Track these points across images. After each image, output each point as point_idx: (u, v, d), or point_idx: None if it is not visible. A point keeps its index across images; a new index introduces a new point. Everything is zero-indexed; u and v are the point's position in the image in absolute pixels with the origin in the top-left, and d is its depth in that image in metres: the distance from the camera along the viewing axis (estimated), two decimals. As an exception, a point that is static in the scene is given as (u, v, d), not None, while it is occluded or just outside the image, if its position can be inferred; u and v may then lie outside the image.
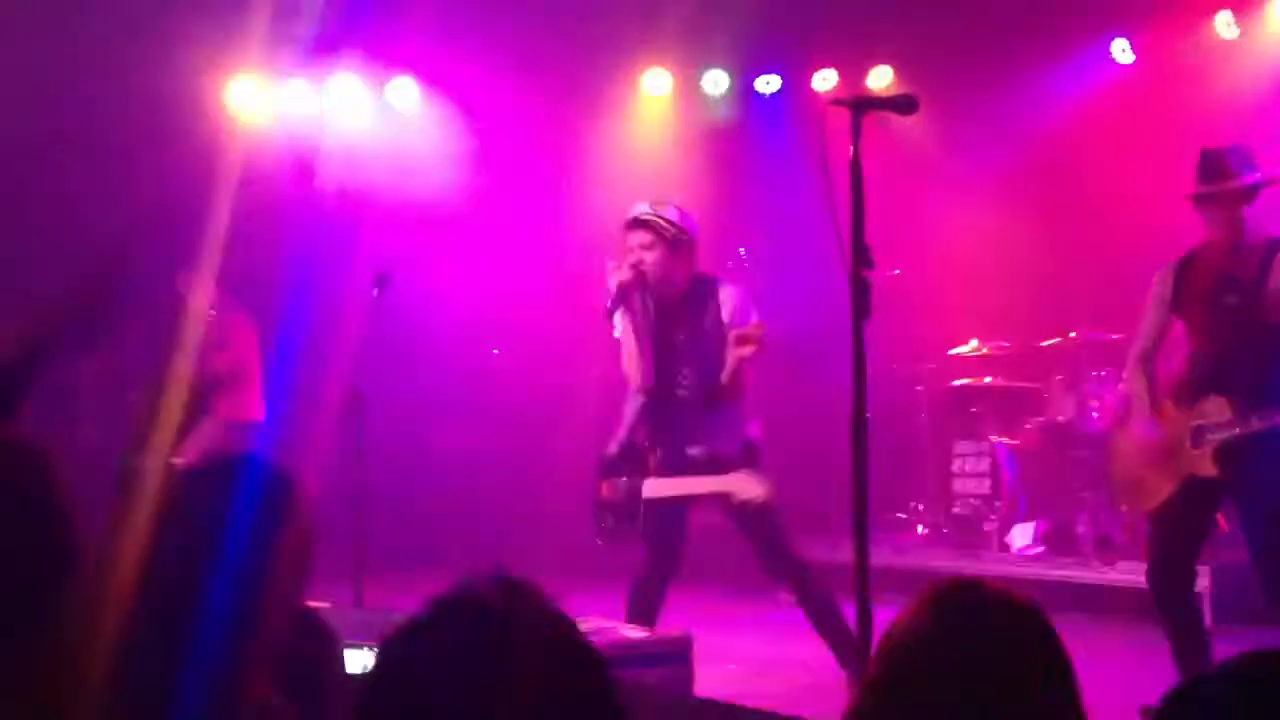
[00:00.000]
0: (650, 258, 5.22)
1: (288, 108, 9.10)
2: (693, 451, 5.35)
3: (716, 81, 9.74)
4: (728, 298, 5.32)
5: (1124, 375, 5.29)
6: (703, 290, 5.33)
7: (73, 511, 2.04)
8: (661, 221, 5.23)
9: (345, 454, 5.62)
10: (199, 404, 7.11)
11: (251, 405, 7.38)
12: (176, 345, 6.56)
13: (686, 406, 5.33)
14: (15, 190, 7.66)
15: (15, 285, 7.31)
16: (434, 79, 9.37)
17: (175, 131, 8.11)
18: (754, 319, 5.26)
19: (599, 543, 5.49)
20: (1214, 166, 4.89)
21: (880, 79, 9.23)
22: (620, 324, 5.32)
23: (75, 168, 7.90)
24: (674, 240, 5.23)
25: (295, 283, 7.92)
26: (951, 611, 1.88)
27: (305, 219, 8.40)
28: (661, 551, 5.39)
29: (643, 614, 5.30)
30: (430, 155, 9.35)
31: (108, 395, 7.90)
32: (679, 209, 5.36)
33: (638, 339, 5.30)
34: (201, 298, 7.35)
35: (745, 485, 5.18)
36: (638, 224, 5.26)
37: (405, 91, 9.42)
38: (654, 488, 5.31)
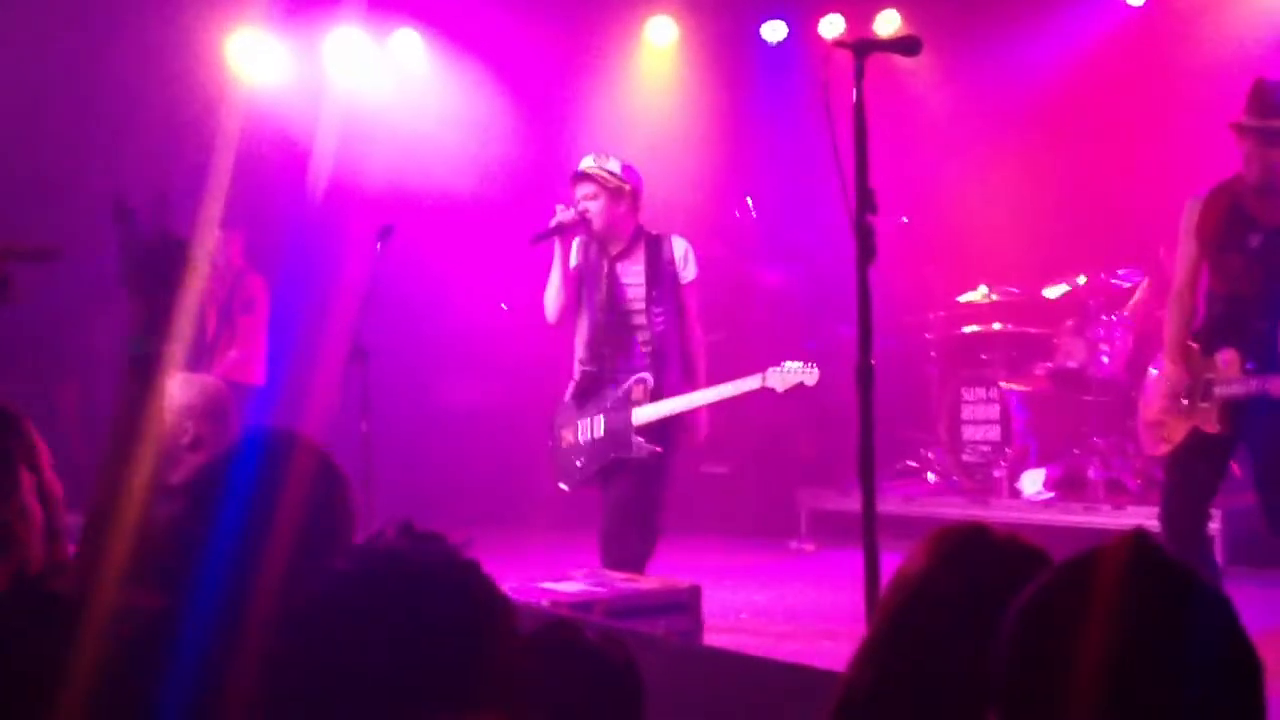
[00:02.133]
0: (594, 207, 5.54)
1: (288, 64, 9.01)
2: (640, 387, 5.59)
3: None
4: (677, 250, 5.63)
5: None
6: (651, 242, 5.64)
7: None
8: (603, 173, 5.55)
9: (349, 409, 5.60)
10: (203, 361, 7.12)
11: (255, 368, 7.41)
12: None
13: (640, 352, 5.58)
14: (14, 146, 7.62)
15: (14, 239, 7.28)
16: (437, 29, 9.28)
17: (175, 86, 8.06)
18: (695, 272, 5.65)
19: (564, 488, 5.83)
20: (1263, 100, 4.68)
21: (887, 24, 9.11)
22: (555, 256, 5.64)
23: (74, 123, 7.85)
24: (615, 190, 5.55)
25: (297, 239, 7.90)
26: (956, 551, 1.86)
27: (300, 188, 8.34)
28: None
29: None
30: (433, 109, 9.28)
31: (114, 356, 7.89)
32: (623, 162, 5.65)
33: (563, 277, 5.61)
34: (225, 257, 7.35)
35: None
36: (581, 177, 5.58)
37: (408, 44, 9.34)
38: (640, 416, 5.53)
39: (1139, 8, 8.63)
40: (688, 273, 5.63)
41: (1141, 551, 1.40)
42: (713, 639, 4.87)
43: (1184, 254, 4.95)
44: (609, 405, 5.57)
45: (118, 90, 7.89)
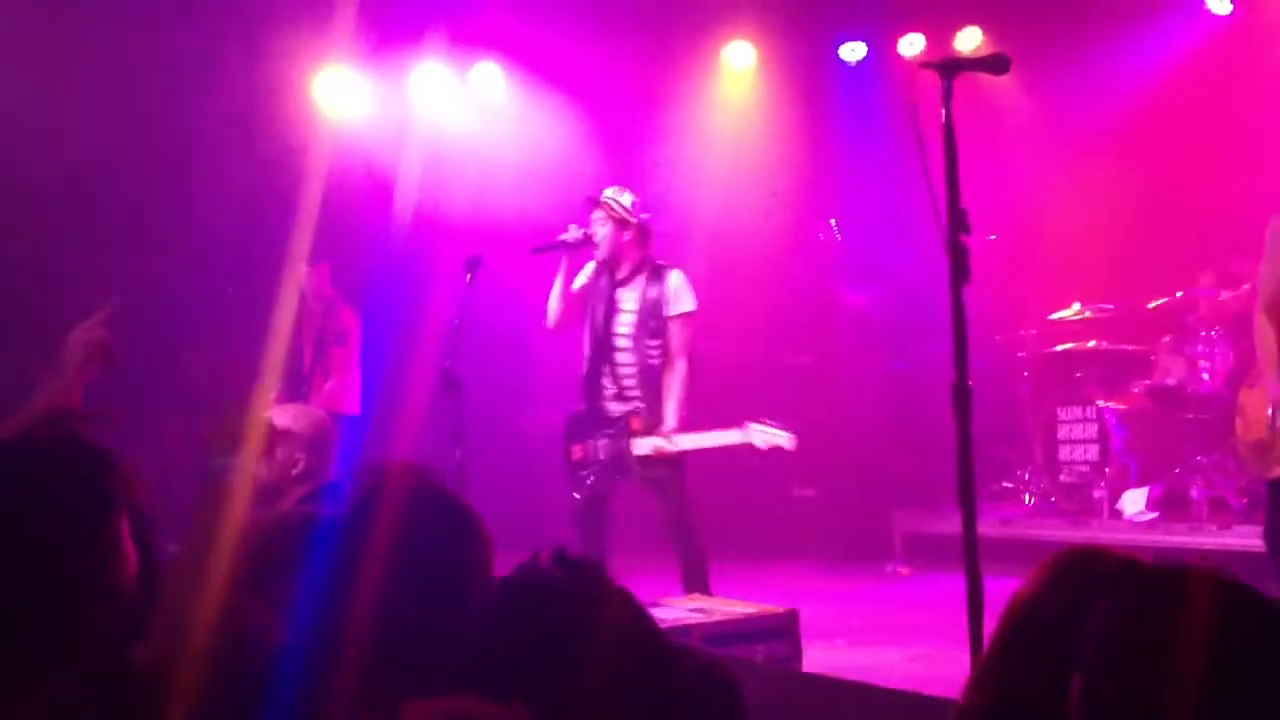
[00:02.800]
0: (601, 232, 5.90)
1: (373, 100, 9.16)
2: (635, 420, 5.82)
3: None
4: (672, 283, 5.87)
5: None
6: (654, 273, 5.91)
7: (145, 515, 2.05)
8: (613, 203, 5.90)
9: (441, 437, 5.65)
10: (300, 392, 7.23)
11: (350, 398, 7.51)
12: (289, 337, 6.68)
13: (647, 373, 5.84)
14: (104, 183, 7.82)
15: (104, 270, 7.47)
16: (516, 61, 9.37)
17: (264, 124, 8.23)
18: (686, 307, 5.84)
19: (577, 497, 5.96)
20: None
21: (968, 41, 9.04)
22: (561, 268, 6.02)
23: (165, 160, 8.03)
24: (620, 220, 5.88)
25: (385, 271, 8.00)
26: (1067, 575, 1.83)
27: (387, 220, 8.46)
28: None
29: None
30: (514, 140, 9.37)
31: (218, 388, 8.04)
32: (639, 200, 5.98)
33: (563, 289, 6.00)
34: (317, 291, 7.48)
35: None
36: (594, 203, 5.96)
37: (489, 76, 9.44)
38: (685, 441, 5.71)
39: (1226, 17, 8.47)
40: (674, 306, 5.85)
41: (1224, 587, 1.38)
42: (811, 664, 4.82)
43: (1268, 270, 4.83)
44: (609, 430, 5.85)
45: (208, 128, 8.08)
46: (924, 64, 3.73)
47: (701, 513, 5.97)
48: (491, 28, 9.10)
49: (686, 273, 5.95)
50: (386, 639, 1.82)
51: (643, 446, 5.74)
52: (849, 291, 9.59)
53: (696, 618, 4.64)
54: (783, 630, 4.71)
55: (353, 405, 7.49)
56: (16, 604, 1.81)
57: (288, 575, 1.99)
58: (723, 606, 4.89)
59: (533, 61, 9.34)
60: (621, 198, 5.94)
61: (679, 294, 5.86)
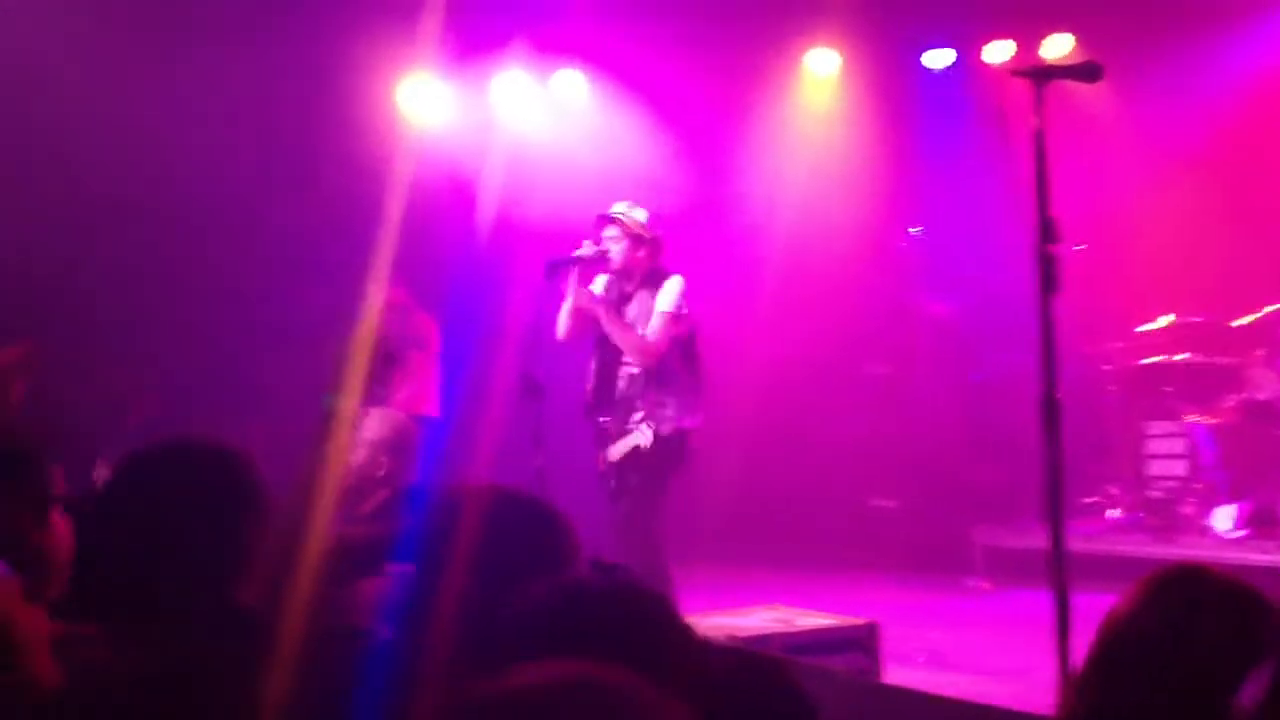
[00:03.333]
0: (616, 249, 5.91)
1: (456, 107, 9.24)
2: (631, 424, 5.85)
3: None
4: (666, 286, 5.89)
5: None
6: (655, 280, 5.94)
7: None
8: (626, 220, 5.93)
9: (522, 442, 5.68)
10: (379, 394, 7.30)
11: (428, 400, 7.57)
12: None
13: (631, 382, 5.87)
14: (195, 189, 7.95)
15: (191, 277, 7.59)
16: (598, 67, 9.40)
17: (350, 131, 8.33)
18: (677, 309, 5.83)
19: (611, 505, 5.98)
20: None
21: (1056, 48, 8.91)
22: (570, 284, 5.99)
23: (254, 165, 8.15)
24: (636, 236, 5.90)
25: (467, 276, 8.06)
26: (1162, 592, 1.80)
27: (470, 225, 8.52)
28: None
29: None
30: (596, 146, 9.40)
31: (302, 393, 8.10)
32: (651, 213, 6.01)
33: (574, 300, 5.99)
34: (390, 298, 7.53)
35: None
36: (609, 220, 5.95)
37: (571, 83, 9.48)
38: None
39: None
40: (660, 304, 5.87)
41: None
42: (890, 678, 4.77)
43: None
44: (609, 437, 5.95)
45: (295, 134, 8.19)
46: (1015, 71, 3.70)
47: (779, 523, 5.92)
48: (573, 35, 9.14)
49: (685, 278, 5.98)
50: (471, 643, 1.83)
51: (615, 451, 5.87)
52: (930, 301, 9.49)
53: (776, 627, 4.62)
54: (862, 642, 4.68)
55: (432, 407, 7.54)
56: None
57: (376, 579, 2.03)
58: (802, 617, 4.87)
59: (614, 68, 9.36)
60: (635, 213, 6.00)
61: (666, 295, 5.90)
